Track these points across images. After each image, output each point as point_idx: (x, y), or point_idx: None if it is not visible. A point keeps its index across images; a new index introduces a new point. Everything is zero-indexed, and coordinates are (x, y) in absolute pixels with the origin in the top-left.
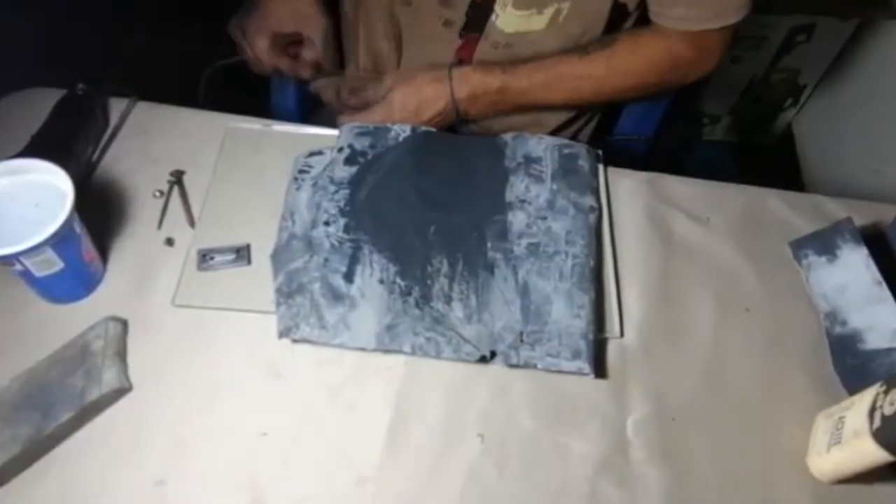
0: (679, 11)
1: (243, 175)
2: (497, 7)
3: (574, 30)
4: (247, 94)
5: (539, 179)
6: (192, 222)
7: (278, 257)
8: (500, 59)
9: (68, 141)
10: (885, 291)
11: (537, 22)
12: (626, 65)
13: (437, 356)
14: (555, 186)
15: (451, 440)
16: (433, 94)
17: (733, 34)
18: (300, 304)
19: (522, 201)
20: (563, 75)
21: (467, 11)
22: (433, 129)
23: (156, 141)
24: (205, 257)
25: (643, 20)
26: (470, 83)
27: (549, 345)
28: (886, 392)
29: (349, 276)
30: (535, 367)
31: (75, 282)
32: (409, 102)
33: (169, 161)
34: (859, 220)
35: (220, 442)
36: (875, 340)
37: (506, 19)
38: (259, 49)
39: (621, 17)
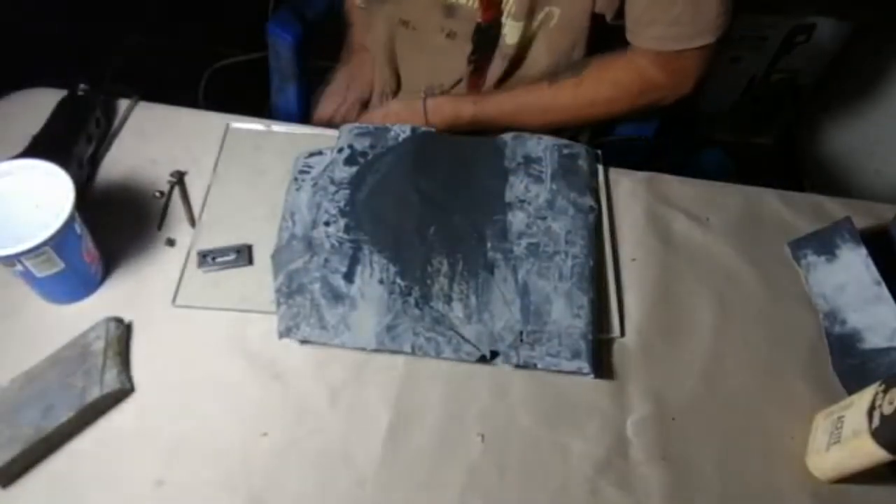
0: (655, 31)
1: (243, 175)
2: (503, 18)
3: (563, 43)
4: (247, 94)
5: (539, 179)
6: (192, 222)
7: (279, 257)
8: (506, 71)
9: (69, 141)
10: (884, 291)
11: (531, 26)
12: (593, 93)
13: (437, 356)
14: (554, 186)
15: (451, 440)
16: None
17: (710, 56)
18: (300, 304)
19: (522, 201)
20: (531, 106)
21: (473, 36)
22: (433, 130)
23: (156, 141)
24: (205, 257)
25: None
26: (443, 115)
27: (549, 344)
28: (885, 391)
29: (349, 277)
30: (535, 366)
31: (76, 282)
32: None
33: (169, 161)
34: (858, 220)
35: (221, 442)
36: (874, 340)
37: (510, 31)
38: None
39: (602, 29)
